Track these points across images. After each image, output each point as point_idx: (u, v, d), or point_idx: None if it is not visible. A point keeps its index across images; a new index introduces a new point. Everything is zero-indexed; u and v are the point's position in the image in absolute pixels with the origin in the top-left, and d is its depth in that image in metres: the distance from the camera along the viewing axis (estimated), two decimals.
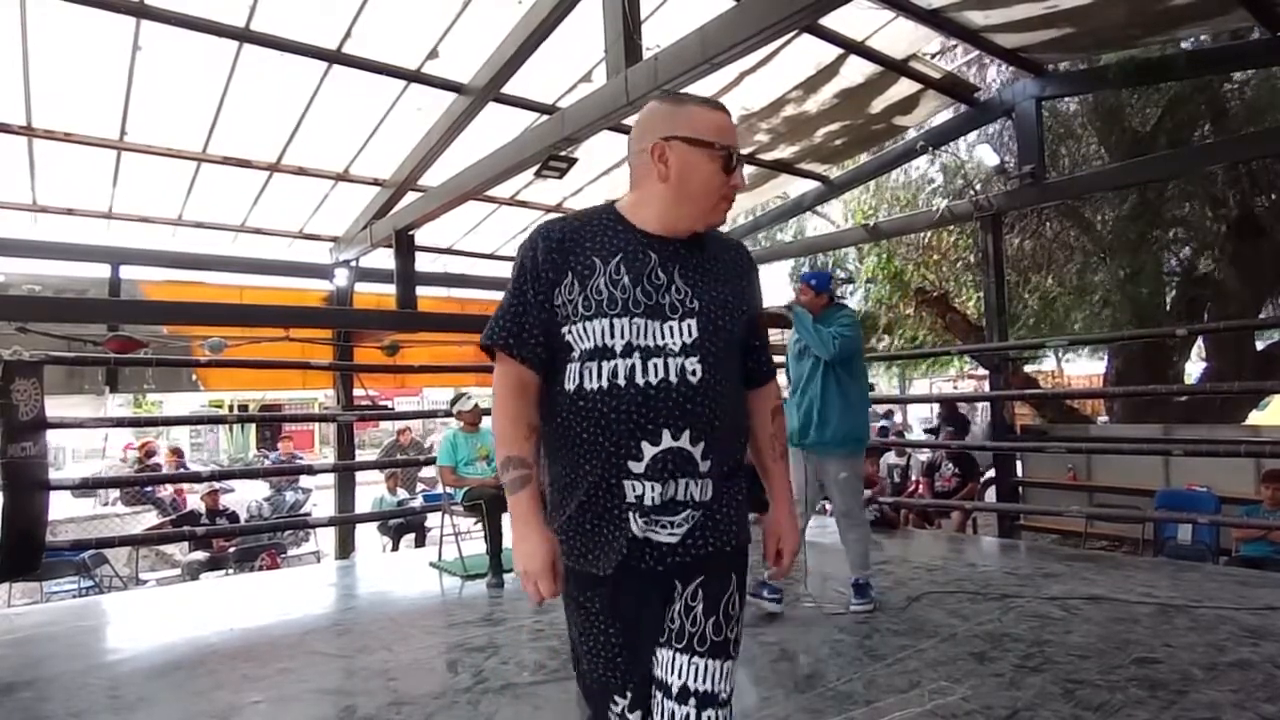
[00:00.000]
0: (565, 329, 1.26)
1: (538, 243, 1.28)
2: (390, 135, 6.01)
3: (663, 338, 1.24)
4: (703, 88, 5.40)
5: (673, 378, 1.23)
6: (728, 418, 1.29)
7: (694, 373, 1.24)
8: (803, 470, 3.84)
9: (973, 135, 7.93)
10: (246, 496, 8.69)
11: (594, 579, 1.28)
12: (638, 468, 1.22)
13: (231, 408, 15.67)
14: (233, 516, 7.33)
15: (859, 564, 3.78)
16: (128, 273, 6.70)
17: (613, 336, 1.23)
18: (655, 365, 1.23)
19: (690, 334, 1.25)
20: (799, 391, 3.86)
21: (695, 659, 1.28)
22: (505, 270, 8.48)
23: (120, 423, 7.38)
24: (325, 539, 7.79)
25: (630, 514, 1.24)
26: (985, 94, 7.09)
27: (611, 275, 1.26)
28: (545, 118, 5.37)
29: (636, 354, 1.23)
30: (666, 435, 1.22)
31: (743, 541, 1.33)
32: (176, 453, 9.70)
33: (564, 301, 1.26)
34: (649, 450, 1.22)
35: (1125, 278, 7.70)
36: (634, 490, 1.23)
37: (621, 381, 1.22)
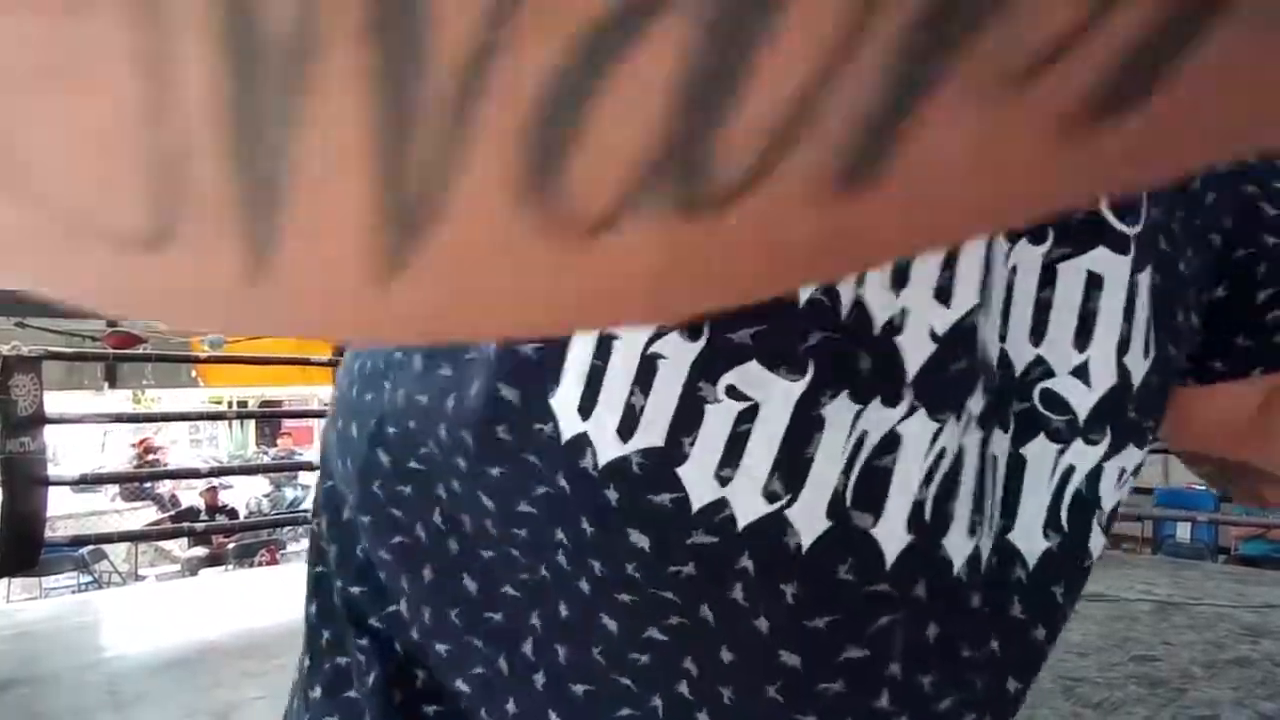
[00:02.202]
0: None
1: None
2: None
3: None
4: None
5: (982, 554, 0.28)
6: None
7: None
8: None
9: None
10: (246, 493, 8.69)
11: None
12: None
13: (230, 404, 15.68)
14: (232, 513, 7.34)
15: None
16: None
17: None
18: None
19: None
20: None
21: None
22: None
23: (120, 418, 7.38)
24: None
25: None
26: None
27: None
28: None
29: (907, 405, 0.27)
30: None
31: None
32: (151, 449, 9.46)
33: None
34: None
35: None
36: None
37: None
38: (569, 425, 0.26)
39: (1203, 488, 5.65)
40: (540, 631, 0.29)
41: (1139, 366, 0.29)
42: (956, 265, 0.26)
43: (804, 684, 0.27)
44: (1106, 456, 0.29)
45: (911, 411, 0.26)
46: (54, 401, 4.44)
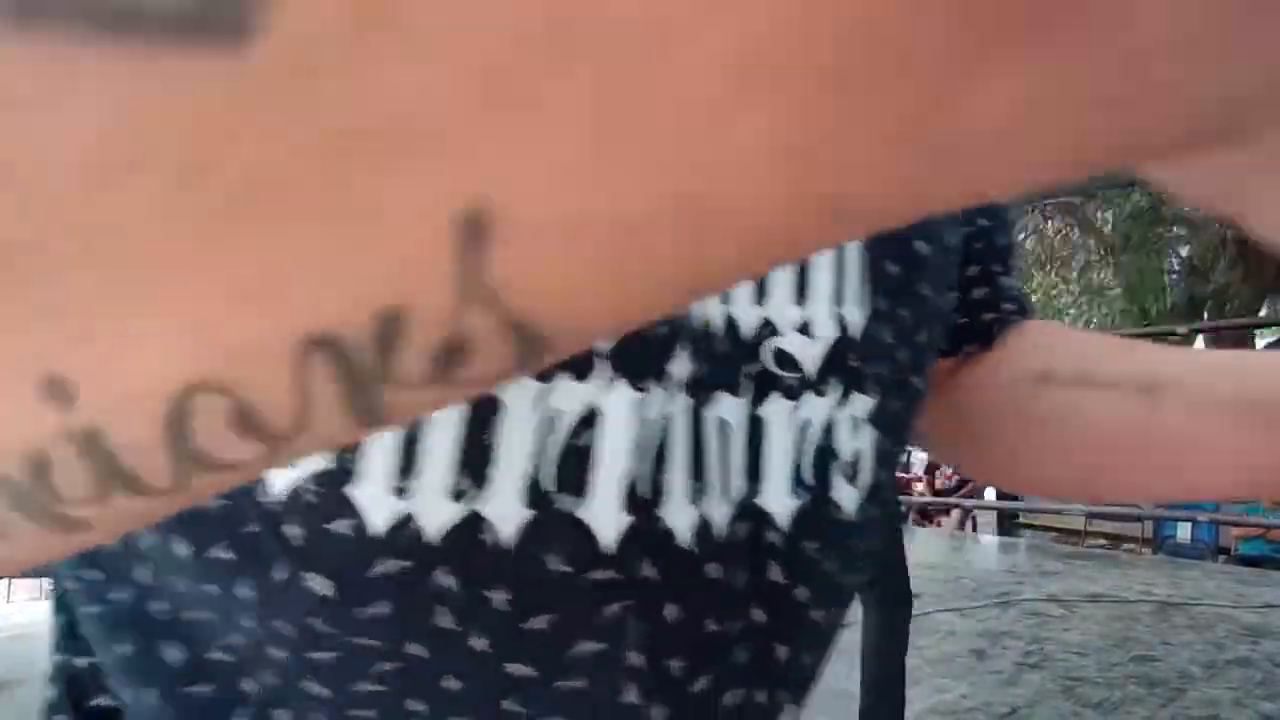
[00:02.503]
0: None
1: None
2: None
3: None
4: None
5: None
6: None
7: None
8: None
9: None
10: None
11: None
12: None
13: None
14: None
15: None
16: None
17: None
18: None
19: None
20: None
21: None
22: None
23: None
24: None
25: None
26: None
27: None
28: None
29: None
30: None
31: None
32: None
33: None
34: None
35: (1127, 276, 7.72)
36: None
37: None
38: None
39: None
40: (253, 699, 0.26)
41: (856, 317, 0.29)
42: None
43: (541, 688, 0.25)
44: (838, 407, 0.29)
45: (610, 384, 0.24)
46: None
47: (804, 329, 0.28)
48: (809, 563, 0.29)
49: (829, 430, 0.29)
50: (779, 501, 0.28)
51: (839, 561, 0.30)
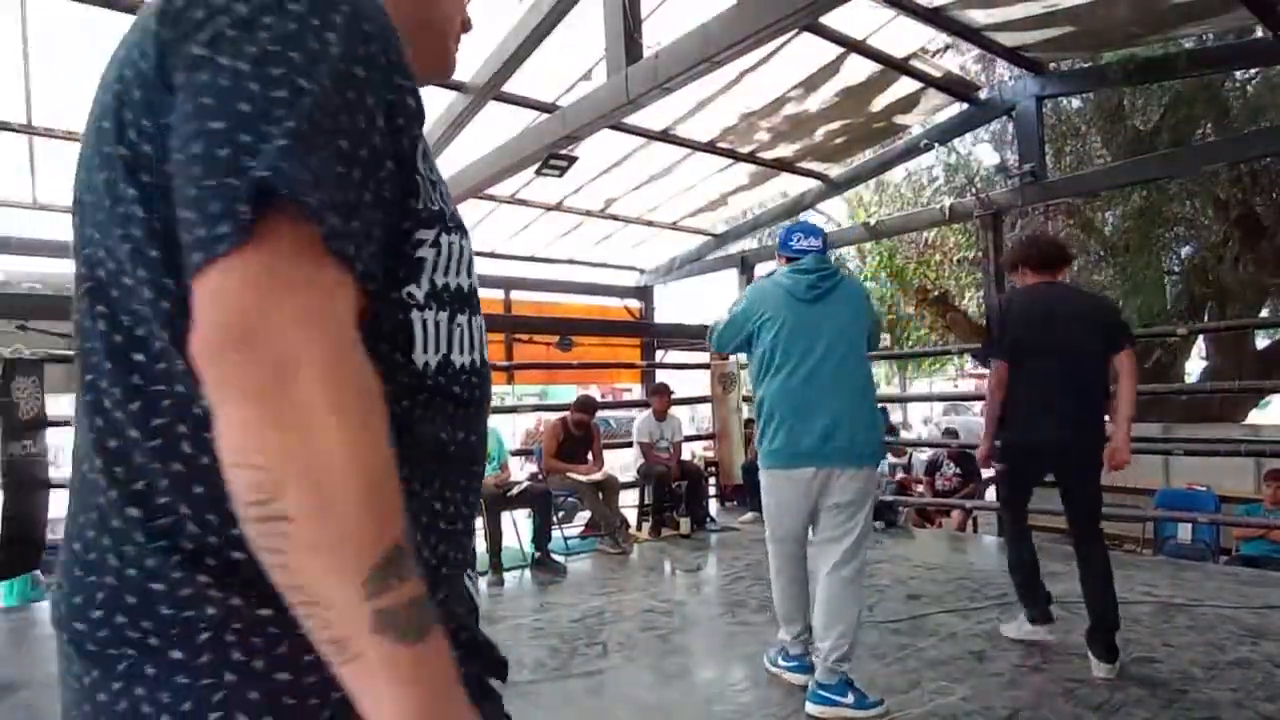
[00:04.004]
0: (420, 231, 0.60)
1: (384, 23, 0.55)
2: None
3: None
4: (703, 86, 5.40)
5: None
6: None
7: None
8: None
9: (979, 132, 7.91)
10: None
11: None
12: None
13: None
14: None
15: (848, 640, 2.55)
16: None
17: (461, 270, 0.66)
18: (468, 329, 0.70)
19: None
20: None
21: None
22: (502, 268, 8.46)
23: None
24: None
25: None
26: (989, 91, 7.08)
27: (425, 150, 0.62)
28: (545, 116, 5.37)
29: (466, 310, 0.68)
30: None
31: None
32: None
33: (423, 171, 0.61)
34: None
35: (1127, 277, 7.71)
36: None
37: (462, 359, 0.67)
38: None
39: (1203, 489, 5.64)
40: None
41: None
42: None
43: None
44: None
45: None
46: (56, 404, 4.44)
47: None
48: (488, 387, 0.73)
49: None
50: (486, 362, 0.72)
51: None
